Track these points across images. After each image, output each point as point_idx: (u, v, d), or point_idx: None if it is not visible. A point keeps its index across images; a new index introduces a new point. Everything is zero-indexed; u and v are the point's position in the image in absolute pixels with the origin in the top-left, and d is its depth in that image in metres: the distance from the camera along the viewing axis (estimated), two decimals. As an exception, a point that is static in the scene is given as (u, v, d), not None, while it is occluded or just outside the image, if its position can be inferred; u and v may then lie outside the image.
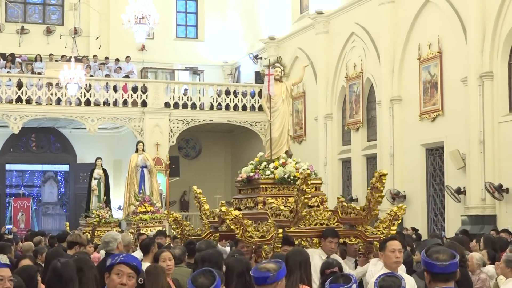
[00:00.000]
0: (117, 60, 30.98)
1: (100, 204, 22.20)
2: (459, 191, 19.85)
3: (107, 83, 28.93)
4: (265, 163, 10.80)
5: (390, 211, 9.77)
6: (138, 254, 10.09)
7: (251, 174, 10.77)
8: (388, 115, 22.88)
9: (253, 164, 10.95)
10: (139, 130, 28.46)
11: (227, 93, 30.22)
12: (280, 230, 8.95)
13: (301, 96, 28.29)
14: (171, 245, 11.32)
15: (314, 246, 9.35)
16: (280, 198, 10.27)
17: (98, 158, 23.73)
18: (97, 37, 31.91)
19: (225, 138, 33.60)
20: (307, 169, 10.40)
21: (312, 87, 27.32)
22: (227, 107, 30.05)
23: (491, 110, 19.20)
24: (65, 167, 33.39)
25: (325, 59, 26.48)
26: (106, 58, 31.10)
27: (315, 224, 9.65)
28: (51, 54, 30.34)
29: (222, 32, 34.14)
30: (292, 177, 10.32)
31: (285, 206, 9.66)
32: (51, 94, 27.82)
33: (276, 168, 10.56)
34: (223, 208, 9.39)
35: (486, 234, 13.48)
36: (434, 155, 21.70)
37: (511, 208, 18.51)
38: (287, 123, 11.22)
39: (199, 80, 33.33)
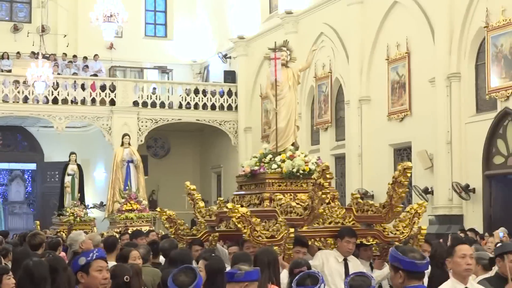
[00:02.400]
0: (85, 58, 30.78)
1: (75, 202, 21.29)
2: (426, 191, 19.99)
3: (75, 81, 28.76)
4: (270, 156, 9.92)
5: (410, 209, 9.03)
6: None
7: (256, 168, 9.85)
8: (357, 115, 22.97)
9: (256, 157, 10.08)
10: (107, 128, 28.31)
11: (196, 92, 30.18)
12: (292, 230, 8.16)
13: (270, 96, 28.25)
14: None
15: (328, 247, 8.66)
16: (288, 194, 9.38)
17: (72, 153, 22.85)
18: (65, 35, 31.69)
19: (194, 137, 33.53)
20: (316, 162, 9.66)
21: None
22: (196, 106, 30.00)
23: (459, 111, 19.35)
24: (32, 166, 33.11)
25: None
26: (74, 56, 30.88)
27: (330, 223, 8.90)
28: (18, 52, 30.06)
29: (191, 31, 34.06)
30: (301, 171, 9.50)
31: (297, 203, 8.82)
32: (18, 92, 27.58)
33: (283, 161, 9.69)
34: (229, 205, 8.53)
35: (454, 234, 13.60)
36: (402, 155, 21.82)
37: (477, 208, 18.67)
38: (294, 112, 10.31)
39: (168, 79, 33.22)
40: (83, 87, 28.60)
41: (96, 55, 31.04)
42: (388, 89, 21.82)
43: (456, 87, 19.38)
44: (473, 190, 18.76)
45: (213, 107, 30.22)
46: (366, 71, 22.84)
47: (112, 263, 7.79)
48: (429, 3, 20.33)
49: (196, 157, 33.96)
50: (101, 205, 29.79)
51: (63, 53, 30.84)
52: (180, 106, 29.86)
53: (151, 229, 17.39)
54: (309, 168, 9.48)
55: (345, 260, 8.35)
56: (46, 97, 27.71)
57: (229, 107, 30.41)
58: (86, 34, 30.41)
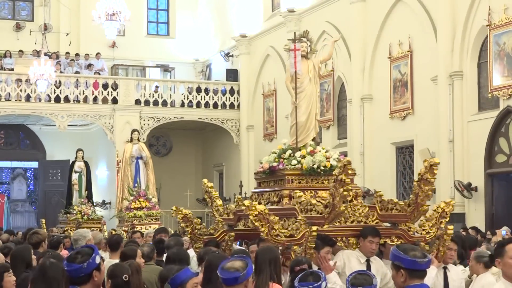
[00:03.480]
0: (87, 55, 30.78)
1: (82, 200, 21.07)
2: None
3: (77, 79, 28.76)
4: (290, 151, 9.49)
5: (437, 207, 8.61)
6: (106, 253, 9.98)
7: (275, 164, 9.43)
8: (359, 114, 22.97)
9: (275, 153, 9.65)
10: (109, 127, 28.32)
11: (198, 90, 30.19)
12: (314, 228, 7.70)
13: (272, 94, 28.31)
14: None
15: (350, 247, 8.22)
16: (308, 191, 8.97)
17: (79, 150, 22.62)
18: (67, 34, 31.70)
19: (196, 136, 33.54)
20: (337, 158, 9.25)
21: (283, 85, 27.12)
22: (198, 104, 30.01)
23: (461, 109, 19.34)
24: (34, 164, 33.10)
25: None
26: (77, 54, 30.91)
27: (352, 222, 8.42)
28: (20, 50, 30.07)
29: (193, 29, 34.06)
30: (322, 168, 9.10)
31: (317, 201, 8.41)
32: (21, 90, 27.60)
33: (303, 157, 9.26)
34: (246, 202, 8.10)
35: (455, 232, 13.57)
36: (404, 153, 21.82)
37: (479, 206, 18.66)
38: (314, 106, 9.86)
39: (170, 77, 33.24)
40: (85, 86, 28.60)
41: (98, 53, 31.05)
42: (390, 87, 21.82)
43: (459, 85, 19.38)
44: (475, 189, 18.75)
45: (215, 105, 30.22)
46: (368, 69, 22.83)
47: (116, 261, 7.82)
48: (432, 1, 20.31)
49: (198, 155, 33.97)
50: (103, 204, 29.81)
51: (66, 52, 30.84)
52: (182, 105, 29.88)
53: (162, 227, 17.32)
54: (331, 164, 9.14)
55: (367, 261, 8.02)
56: (48, 95, 27.74)
57: (231, 106, 30.41)
58: (88, 33, 30.44)
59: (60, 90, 28.04)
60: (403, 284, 4.83)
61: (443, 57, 19.63)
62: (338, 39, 11.37)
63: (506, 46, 18.05)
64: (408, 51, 21.21)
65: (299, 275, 5.15)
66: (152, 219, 18.69)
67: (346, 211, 8.24)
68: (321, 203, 8.14)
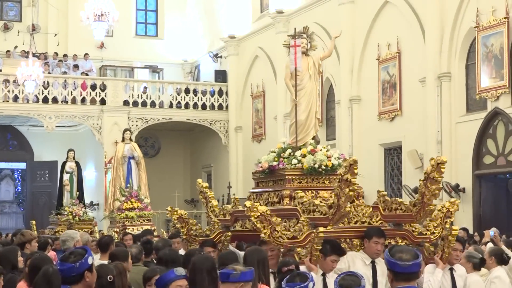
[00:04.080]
0: (75, 56, 30.70)
1: (73, 201, 20.62)
2: (416, 191, 19.97)
3: (65, 80, 28.68)
4: (289, 150, 9.24)
5: (442, 207, 8.38)
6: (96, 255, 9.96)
7: (274, 163, 9.16)
8: (347, 115, 23.00)
9: (275, 152, 9.37)
10: (97, 128, 28.26)
11: (187, 91, 30.16)
12: (321, 229, 7.38)
13: (261, 95, 28.32)
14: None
15: (354, 248, 7.94)
16: (309, 191, 8.75)
17: (70, 150, 22.26)
18: (56, 34, 31.63)
19: (185, 137, 33.51)
20: (338, 157, 9.06)
21: (271, 86, 27.36)
22: (187, 105, 29.99)
23: (449, 111, 19.39)
24: (22, 165, 33.00)
25: (284, 59, 26.33)
26: (65, 55, 30.83)
27: (355, 223, 8.14)
28: (8, 51, 29.97)
29: (182, 30, 34.03)
30: (323, 167, 8.85)
31: (320, 201, 8.19)
32: (8, 91, 27.51)
33: (303, 156, 9.01)
34: (248, 203, 7.82)
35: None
36: (392, 154, 21.85)
37: (467, 207, 18.70)
38: (314, 104, 9.69)
39: (159, 78, 33.20)
40: (73, 86, 28.53)
41: (86, 54, 30.98)
42: (378, 88, 21.85)
43: (447, 87, 19.42)
44: (463, 190, 18.80)
45: (203, 106, 30.20)
46: (356, 70, 22.86)
47: (105, 262, 7.81)
48: (420, 3, 20.36)
49: (186, 156, 33.94)
50: (91, 205, 29.72)
51: (54, 53, 30.76)
52: (171, 106, 29.85)
53: (153, 229, 17.18)
54: (332, 164, 8.93)
55: (372, 262, 7.77)
56: (36, 96, 27.65)
57: (220, 107, 30.40)
58: (76, 33, 30.35)
59: (48, 91, 27.96)
60: (391, 285, 4.83)
61: (431, 58, 19.68)
62: (339, 35, 10.88)
63: (494, 47, 18.11)
64: (397, 53, 21.26)
65: (287, 276, 5.16)
66: (144, 220, 18.37)
67: (351, 212, 8.03)
68: (325, 203, 7.92)
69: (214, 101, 30.34)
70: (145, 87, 29.92)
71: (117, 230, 17.57)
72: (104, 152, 27.93)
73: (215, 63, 31.68)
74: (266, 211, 7.72)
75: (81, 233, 12.11)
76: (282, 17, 26.38)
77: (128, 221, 18.07)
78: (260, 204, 8.15)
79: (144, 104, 29.36)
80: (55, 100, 28.11)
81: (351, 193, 7.52)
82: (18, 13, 32.70)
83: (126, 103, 28.96)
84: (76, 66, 30.16)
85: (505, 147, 17.97)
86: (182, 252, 9.96)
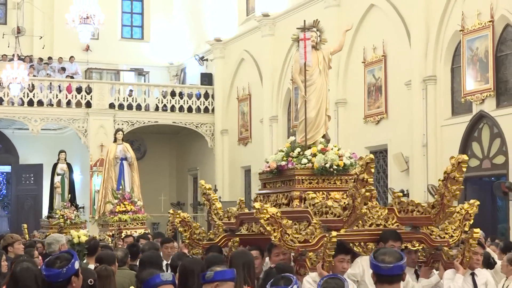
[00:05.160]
0: (61, 58, 30.59)
1: (65, 203, 20.31)
2: (402, 194, 20.05)
3: (50, 83, 28.59)
4: (298, 149, 8.85)
5: (460, 209, 7.92)
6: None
7: (283, 163, 8.74)
8: (333, 118, 22.90)
9: (283, 151, 8.94)
10: (83, 131, 28.18)
11: (173, 94, 30.13)
12: (334, 233, 6.93)
13: (247, 98, 28.32)
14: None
15: (369, 252, 7.34)
16: (320, 192, 8.33)
17: (62, 151, 21.98)
18: (41, 37, 31.51)
19: (170, 140, 33.47)
20: (350, 157, 8.66)
21: (257, 89, 27.37)
22: (173, 108, 29.97)
23: (434, 114, 19.45)
24: (7, 168, 32.84)
25: (271, 62, 26.53)
26: (50, 58, 30.71)
27: (370, 225, 7.72)
28: (-7, 54, 29.86)
29: (167, 33, 33.99)
30: (335, 167, 8.45)
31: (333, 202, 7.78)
32: (-7, 94, 27.39)
33: (314, 155, 8.60)
34: (257, 205, 7.39)
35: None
36: (378, 157, 21.89)
37: (453, 210, 18.75)
38: (324, 100, 9.29)
39: (145, 81, 33.14)
40: (59, 89, 28.44)
41: (72, 57, 30.88)
42: (364, 91, 21.89)
43: (432, 90, 19.48)
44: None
45: (189, 109, 30.17)
46: (342, 73, 22.89)
47: (92, 265, 7.80)
48: (406, 6, 20.42)
49: (172, 159, 33.89)
50: (77, 208, 29.61)
51: (39, 58, 30.60)
52: (157, 109, 29.82)
53: (147, 232, 16.94)
54: (344, 163, 8.56)
55: None
56: (21, 99, 27.55)
57: (206, 110, 30.38)
58: (62, 36, 30.24)
59: (34, 94, 27.86)
60: (375, 287, 4.86)
61: (417, 62, 19.73)
62: (350, 28, 10.48)
63: (479, 51, 18.19)
64: (382, 56, 21.31)
65: (272, 280, 5.17)
66: (138, 223, 17.92)
67: (368, 214, 7.57)
68: (340, 205, 7.49)
69: (200, 104, 30.32)
70: (131, 90, 29.86)
71: (111, 233, 17.15)
72: (89, 155, 27.88)
73: (201, 66, 31.67)
74: (277, 213, 7.31)
75: (67, 236, 12.06)
76: (268, 20, 26.40)
77: (122, 224, 17.67)
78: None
79: (130, 107, 29.30)
80: (40, 103, 28.02)
81: (367, 193, 7.06)
82: (3, 16, 32.57)
83: (111, 106, 28.88)
84: (63, 69, 30.07)
85: (490, 150, 18.05)
86: None
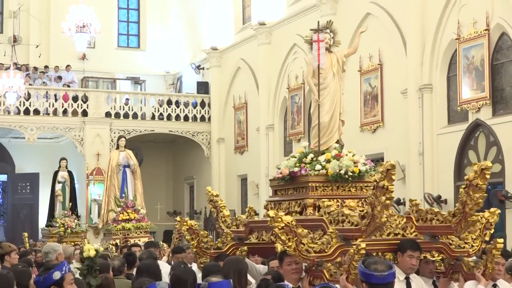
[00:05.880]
0: (57, 67, 30.60)
1: (65, 212, 20.16)
2: (398, 202, 20.06)
3: (47, 92, 28.58)
4: (312, 155, 8.54)
5: (481, 218, 7.59)
6: (77, 265, 9.92)
7: (296, 169, 8.42)
8: (329, 126, 23.00)
9: (295, 157, 8.63)
10: (79, 140, 28.16)
11: (169, 103, 30.15)
12: (363, 245, 6.47)
13: (243, 107, 28.33)
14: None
15: None
16: (335, 200, 8.05)
17: (63, 158, 21.78)
18: (37, 46, 31.50)
19: (167, 149, 33.45)
20: (364, 163, 8.41)
21: (254, 98, 27.38)
22: (169, 117, 29.97)
23: (431, 122, 19.46)
24: (3, 177, 32.79)
25: (267, 70, 26.56)
26: (46, 67, 30.71)
27: (388, 234, 7.40)
28: (-11, 62, 29.85)
29: (164, 42, 34.02)
30: (350, 173, 8.18)
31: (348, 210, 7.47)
32: (-11, 102, 27.38)
33: (328, 161, 8.31)
34: (271, 213, 7.03)
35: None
36: (375, 166, 21.87)
37: (449, 218, 18.74)
38: (338, 104, 8.94)
39: (141, 90, 33.15)
40: (55, 98, 28.44)
41: (68, 65, 30.89)
42: (360, 100, 21.91)
43: (428, 98, 19.50)
44: (445, 201, 18.86)
45: (186, 118, 30.18)
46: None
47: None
48: (402, 15, 20.46)
49: (168, 168, 33.87)
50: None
51: (33, 67, 30.60)
52: (153, 117, 29.83)
53: (151, 240, 16.58)
54: (359, 170, 8.33)
55: (407, 278, 7.01)
56: (17, 107, 27.53)
57: (202, 118, 30.39)
58: (58, 45, 30.24)
59: (30, 103, 27.85)
60: None
61: (412, 70, 19.76)
62: (365, 30, 10.18)
63: (474, 59, 18.22)
64: (378, 64, 21.33)
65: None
66: (141, 232, 17.65)
67: (388, 223, 7.24)
68: (359, 213, 7.14)
69: (197, 113, 30.34)
70: (127, 99, 29.87)
71: (115, 242, 16.84)
72: (86, 164, 27.85)
73: (198, 74, 31.70)
74: (292, 221, 6.93)
75: (64, 246, 12.05)
76: (264, 29, 26.43)
77: (126, 233, 17.40)
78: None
79: (126, 115, 29.31)
80: (36, 112, 28.00)
81: (388, 201, 6.72)
82: (-1, 25, 32.59)
83: (108, 114, 28.89)
84: (59, 78, 30.07)
85: (486, 158, 18.04)
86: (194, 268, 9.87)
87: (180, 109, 30.14)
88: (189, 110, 30.26)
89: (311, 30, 9.04)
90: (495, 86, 18.00)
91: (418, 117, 19.57)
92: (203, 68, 31.29)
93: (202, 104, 30.45)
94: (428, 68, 19.51)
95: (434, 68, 19.49)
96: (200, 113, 30.37)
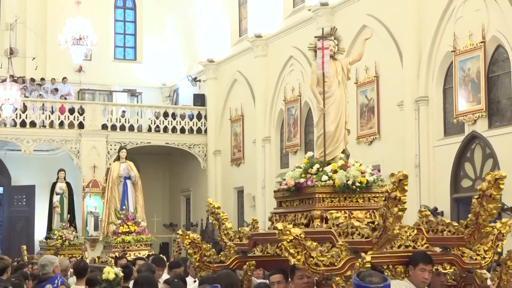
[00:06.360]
0: (53, 79, 30.60)
1: (63, 224, 19.94)
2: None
3: (43, 104, 28.57)
4: (317, 165, 8.32)
5: (493, 229, 7.29)
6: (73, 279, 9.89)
7: (301, 180, 8.19)
8: (326, 139, 23.00)
9: (301, 168, 8.40)
10: (75, 152, 28.13)
11: (165, 115, 30.16)
12: (368, 258, 6.41)
13: (240, 119, 28.33)
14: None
15: (398, 276, 6.93)
16: (342, 211, 7.82)
17: (61, 170, 21.67)
18: (34, 58, 31.51)
19: (163, 161, 33.42)
20: (371, 173, 8.17)
21: (250, 110, 27.39)
22: (165, 129, 29.97)
23: (427, 134, 19.48)
24: (-1, 190, 32.75)
25: (263, 82, 26.59)
26: (42, 79, 30.71)
27: (399, 247, 7.20)
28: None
29: (160, 54, 34.07)
30: (357, 184, 7.95)
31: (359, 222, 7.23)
32: (-14, 115, 27.36)
33: (334, 172, 8.11)
34: (280, 225, 6.74)
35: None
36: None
37: (446, 230, 18.73)
38: (344, 113, 8.78)
39: (137, 102, 33.15)
40: (51, 110, 28.43)
41: (65, 78, 30.89)
42: (357, 112, 21.92)
43: (424, 110, 19.53)
44: (441, 213, 18.84)
45: (182, 130, 30.18)
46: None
47: (81, 287, 7.76)
48: (398, 27, 20.51)
49: (165, 180, 33.84)
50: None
51: (30, 78, 30.61)
52: (149, 129, 29.83)
53: (151, 253, 16.40)
54: (366, 180, 8.07)
55: None
56: (13, 120, 27.51)
57: (199, 130, 30.39)
58: (55, 57, 30.29)
59: (26, 115, 27.83)
60: None
61: (409, 82, 19.79)
62: (370, 36, 9.75)
63: (470, 72, 18.25)
64: (375, 77, 21.36)
65: None
66: (141, 245, 17.45)
67: (400, 235, 6.97)
68: (370, 225, 6.87)
69: (193, 125, 30.34)
70: (124, 111, 29.87)
71: (114, 255, 16.54)
72: (82, 176, 27.82)
73: (194, 86, 31.71)
74: (300, 234, 6.67)
75: (61, 258, 12.00)
76: (261, 41, 26.47)
77: (125, 246, 17.19)
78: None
79: (122, 128, 29.31)
80: (33, 124, 27.99)
81: (400, 213, 6.50)
82: (-4, 37, 32.60)
83: (104, 127, 28.88)
84: (56, 90, 30.07)
85: (483, 170, 18.06)
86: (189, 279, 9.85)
87: (177, 121, 30.15)
88: (185, 122, 30.27)
89: (315, 37, 8.79)
90: (491, 98, 18.03)
91: (414, 129, 19.59)
92: (199, 80, 31.31)
93: (199, 116, 30.46)
94: (424, 80, 19.55)
95: (430, 80, 19.53)
96: (196, 125, 30.37)
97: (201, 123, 30.40)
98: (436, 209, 18.95)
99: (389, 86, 20.76)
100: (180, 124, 30.17)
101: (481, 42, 17.97)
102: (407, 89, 19.79)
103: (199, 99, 30.88)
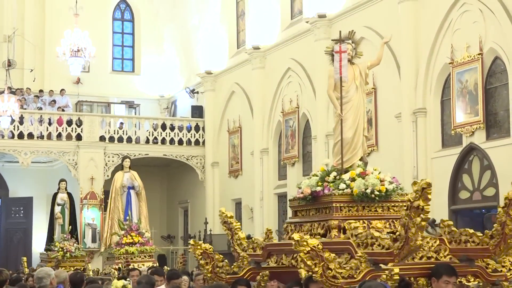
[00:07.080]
0: (51, 91, 30.60)
1: (65, 235, 19.67)
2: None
3: (41, 116, 28.57)
4: (334, 173, 8.15)
5: None
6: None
7: (318, 188, 7.98)
8: (324, 150, 23.02)
9: (317, 176, 8.20)
10: (73, 164, 28.10)
11: (163, 127, 30.15)
12: (396, 270, 6.01)
13: (238, 131, 28.34)
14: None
15: None
16: (361, 221, 7.58)
17: (62, 180, 21.48)
18: (32, 70, 31.52)
19: (161, 172, 33.38)
20: (391, 181, 7.93)
21: (248, 122, 27.40)
22: (163, 141, 29.96)
23: (424, 146, 19.48)
24: (-4, 201, 32.68)
25: (261, 94, 26.60)
26: (41, 91, 30.71)
27: (421, 258, 6.84)
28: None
29: (158, 66, 34.09)
30: (376, 192, 7.73)
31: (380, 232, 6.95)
32: (-17, 127, 27.32)
33: (352, 180, 7.92)
34: (296, 236, 6.46)
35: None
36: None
37: (444, 242, 18.70)
38: (362, 119, 8.57)
39: (135, 114, 33.14)
40: (49, 122, 28.42)
41: (62, 89, 30.89)
42: (355, 124, 21.90)
43: (422, 122, 19.53)
44: (439, 225, 18.81)
45: (180, 142, 30.18)
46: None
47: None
48: (395, 39, 20.46)
49: (163, 192, 33.80)
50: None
51: (27, 88, 30.58)
52: (147, 141, 29.82)
53: (155, 266, 16.23)
54: (386, 189, 7.84)
55: None
56: (11, 131, 27.49)
57: (196, 142, 30.39)
58: (53, 69, 30.29)
59: (24, 127, 27.82)
60: None
61: (406, 94, 19.80)
62: (389, 39, 9.58)
63: (468, 83, 18.27)
64: (372, 88, 21.37)
65: None
66: (145, 256, 17.16)
67: (423, 246, 6.70)
68: (390, 235, 6.60)
69: (191, 137, 30.34)
70: (122, 123, 29.86)
71: (117, 266, 16.27)
72: (80, 188, 27.77)
73: (192, 98, 31.72)
74: (318, 245, 6.39)
75: (58, 270, 11.95)
76: (259, 53, 26.50)
77: (129, 257, 16.92)
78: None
79: (120, 139, 29.29)
80: (30, 136, 27.98)
81: (423, 223, 6.27)
82: (-6, 49, 32.60)
83: (102, 138, 28.86)
84: (54, 102, 30.07)
85: (481, 182, 18.06)
86: None
87: (175, 133, 30.15)
88: (183, 134, 30.27)
89: (332, 40, 8.58)
90: (488, 110, 18.05)
91: (412, 141, 19.59)
92: (197, 92, 31.33)
93: (197, 128, 30.46)
94: (422, 92, 19.56)
95: (428, 92, 19.54)
96: (194, 137, 30.37)
97: (199, 134, 30.39)
98: (434, 220, 18.86)
99: (387, 98, 20.78)
100: (178, 135, 30.17)
101: (479, 54, 18.00)
102: (405, 101, 19.81)
103: (197, 111, 30.90)
